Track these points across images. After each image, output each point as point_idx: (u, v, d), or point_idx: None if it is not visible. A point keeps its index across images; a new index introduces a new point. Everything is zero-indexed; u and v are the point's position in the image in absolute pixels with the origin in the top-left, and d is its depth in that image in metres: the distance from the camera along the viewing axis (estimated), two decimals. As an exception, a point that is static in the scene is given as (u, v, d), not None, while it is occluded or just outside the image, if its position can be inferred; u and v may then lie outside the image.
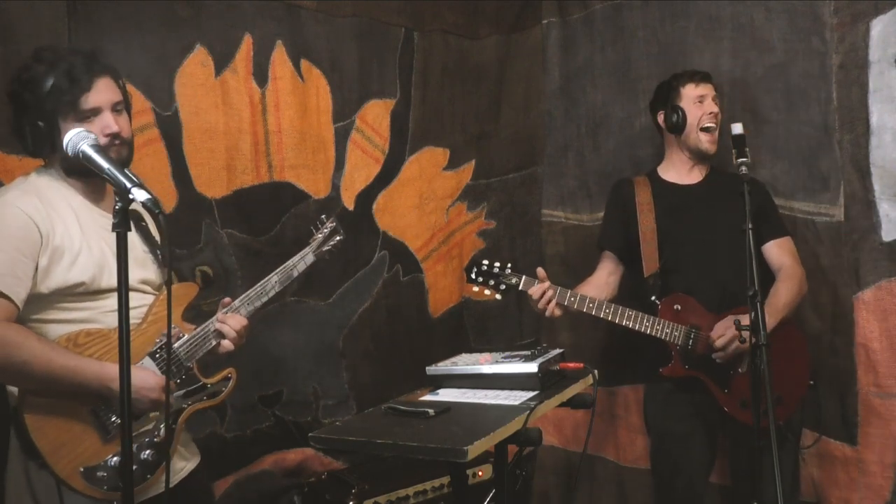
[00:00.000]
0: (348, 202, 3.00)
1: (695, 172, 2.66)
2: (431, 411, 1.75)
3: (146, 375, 1.76)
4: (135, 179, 1.38)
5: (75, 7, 2.29)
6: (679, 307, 2.49)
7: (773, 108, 2.70)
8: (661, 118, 2.68)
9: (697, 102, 2.58)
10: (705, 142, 2.58)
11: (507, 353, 2.15)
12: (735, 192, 2.37)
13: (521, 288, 2.46)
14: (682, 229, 2.58)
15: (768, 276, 2.51)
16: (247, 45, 2.69)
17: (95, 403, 1.73)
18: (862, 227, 2.51)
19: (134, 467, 1.75)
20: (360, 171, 3.03)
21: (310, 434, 1.71)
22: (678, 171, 2.68)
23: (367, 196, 3.05)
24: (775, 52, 2.69)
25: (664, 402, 2.58)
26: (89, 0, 2.32)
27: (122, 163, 1.76)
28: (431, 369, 2.09)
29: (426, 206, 3.24)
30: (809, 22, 2.60)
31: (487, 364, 2.02)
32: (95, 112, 1.75)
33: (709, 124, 2.57)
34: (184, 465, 1.97)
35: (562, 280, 2.60)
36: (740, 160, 2.04)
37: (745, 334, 2.01)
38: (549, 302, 2.41)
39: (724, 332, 2.37)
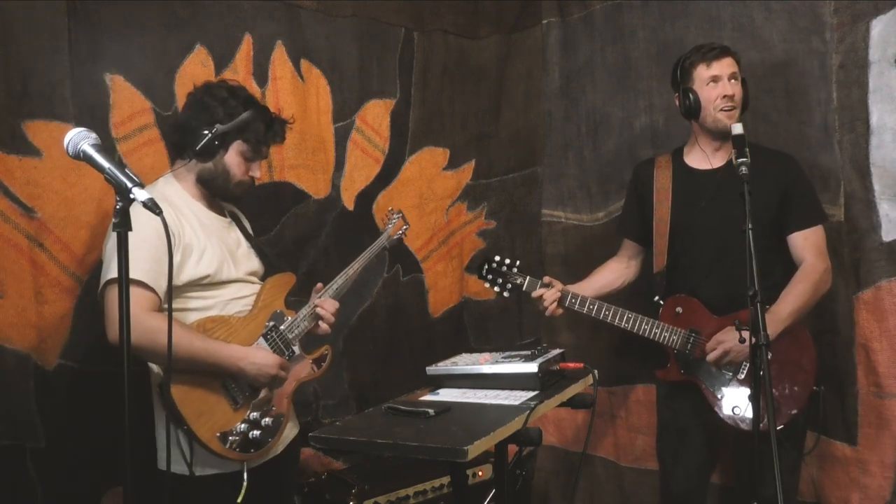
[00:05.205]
0: (348, 202, 3.00)
1: (721, 153, 2.47)
2: (431, 411, 1.75)
3: (266, 355, 2.03)
4: (135, 179, 1.39)
5: (75, 7, 2.29)
6: (680, 310, 2.47)
7: (773, 108, 2.70)
8: (676, 101, 2.51)
9: (711, 84, 2.39)
10: (724, 119, 2.37)
11: (507, 353, 2.15)
12: (766, 172, 2.32)
13: (524, 289, 2.56)
14: (696, 222, 2.47)
15: (793, 268, 2.40)
16: (247, 45, 2.69)
17: (224, 377, 1.98)
18: (862, 227, 2.51)
19: (258, 433, 2.02)
20: (360, 171, 3.03)
21: (310, 434, 1.71)
22: (701, 154, 2.51)
23: (367, 196, 3.05)
24: (775, 52, 2.68)
25: (668, 396, 2.60)
26: (89, 0, 2.32)
27: (244, 193, 2.18)
28: (431, 369, 2.09)
29: (426, 206, 3.24)
30: (809, 22, 2.59)
31: (487, 364, 2.02)
32: (256, 157, 2.13)
33: (725, 108, 2.38)
34: (293, 433, 2.25)
35: (562, 280, 2.62)
36: (740, 160, 2.01)
37: (745, 334, 1.99)
38: (552, 303, 2.51)
39: (716, 345, 2.34)
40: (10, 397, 2.17)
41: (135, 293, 1.82)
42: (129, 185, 1.37)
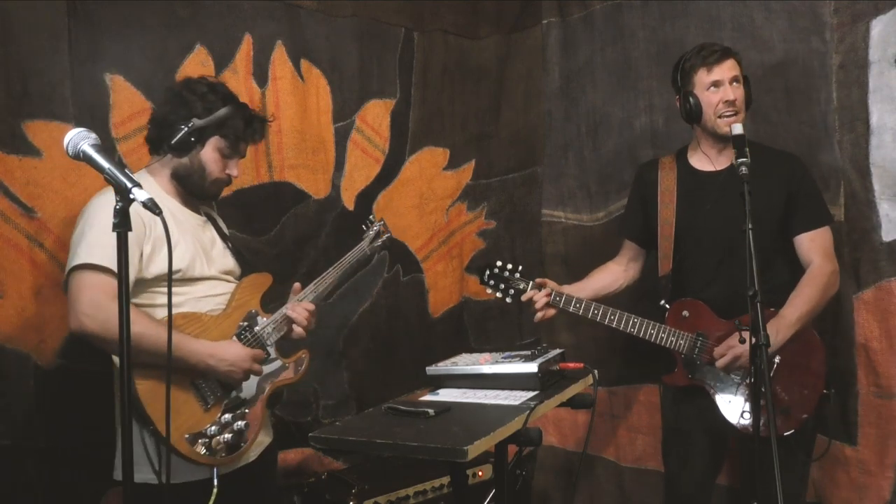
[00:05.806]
0: (348, 202, 3.00)
1: (725, 155, 2.43)
2: (431, 411, 1.75)
3: (237, 349, 1.97)
4: (135, 179, 1.40)
5: (75, 7, 2.29)
6: (687, 313, 2.44)
7: (773, 108, 2.70)
8: (678, 103, 2.47)
9: (712, 88, 2.36)
10: (724, 126, 2.32)
11: (507, 353, 2.14)
12: (771, 173, 2.31)
13: (523, 298, 2.51)
14: (701, 224, 2.44)
15: (800, 270, 2.38)
16: (247, 45, 2.69)
17: (195, 376, 1.91)
18: (862, 227, 2.51)
19: (230, 436, 1.95)
20: (360, 171, 3.03)
21: (310, 434, 1.71)
22: (705, 156, 2.47)
23: (367, 196, 3.05)
24: (775, 52, 2.68)
25: (674, 399, 2.58)
26: (89, 0, 2.32)
27: (219, 191, 2.15)
28: (431, 369, 2.09)
29: (426, 206, 3.24)
30: (809, 22, 2.59)
31: (487, 364, 2.02)
32: (234, 155, 2.09)
33: (726, 114, 2.34)
34: (268, 439, 2.20)
35: (562, 280, 2.62)
36: (740, 160, 2.00)
37: (745, 334, 1.98)
38: (542, 306, 2.47)
39: (726, 351, 2.32)
40: (10, 397, 2.17)
41: (99, 279, 1.82)
42: (129, 185, 1.38)
